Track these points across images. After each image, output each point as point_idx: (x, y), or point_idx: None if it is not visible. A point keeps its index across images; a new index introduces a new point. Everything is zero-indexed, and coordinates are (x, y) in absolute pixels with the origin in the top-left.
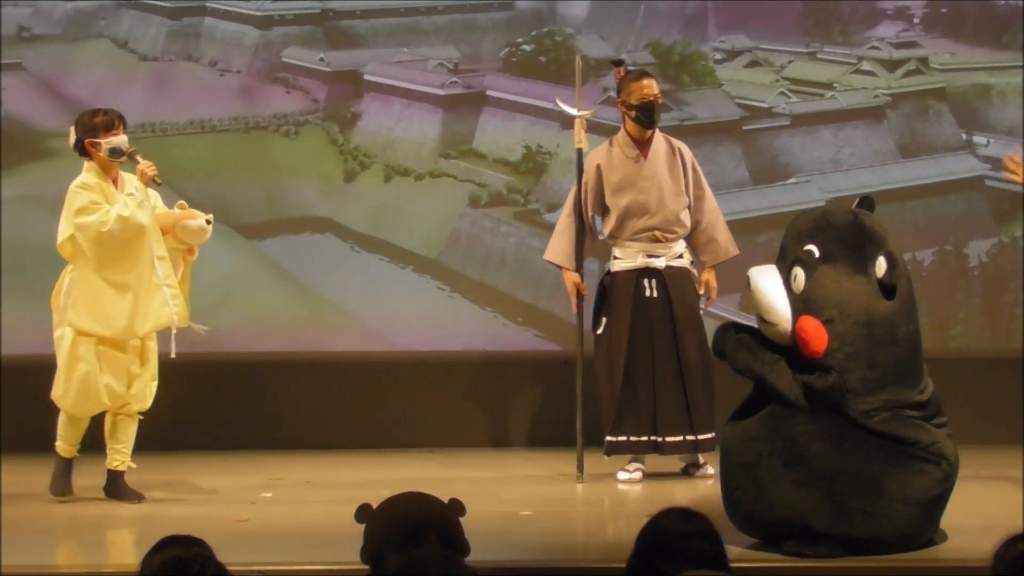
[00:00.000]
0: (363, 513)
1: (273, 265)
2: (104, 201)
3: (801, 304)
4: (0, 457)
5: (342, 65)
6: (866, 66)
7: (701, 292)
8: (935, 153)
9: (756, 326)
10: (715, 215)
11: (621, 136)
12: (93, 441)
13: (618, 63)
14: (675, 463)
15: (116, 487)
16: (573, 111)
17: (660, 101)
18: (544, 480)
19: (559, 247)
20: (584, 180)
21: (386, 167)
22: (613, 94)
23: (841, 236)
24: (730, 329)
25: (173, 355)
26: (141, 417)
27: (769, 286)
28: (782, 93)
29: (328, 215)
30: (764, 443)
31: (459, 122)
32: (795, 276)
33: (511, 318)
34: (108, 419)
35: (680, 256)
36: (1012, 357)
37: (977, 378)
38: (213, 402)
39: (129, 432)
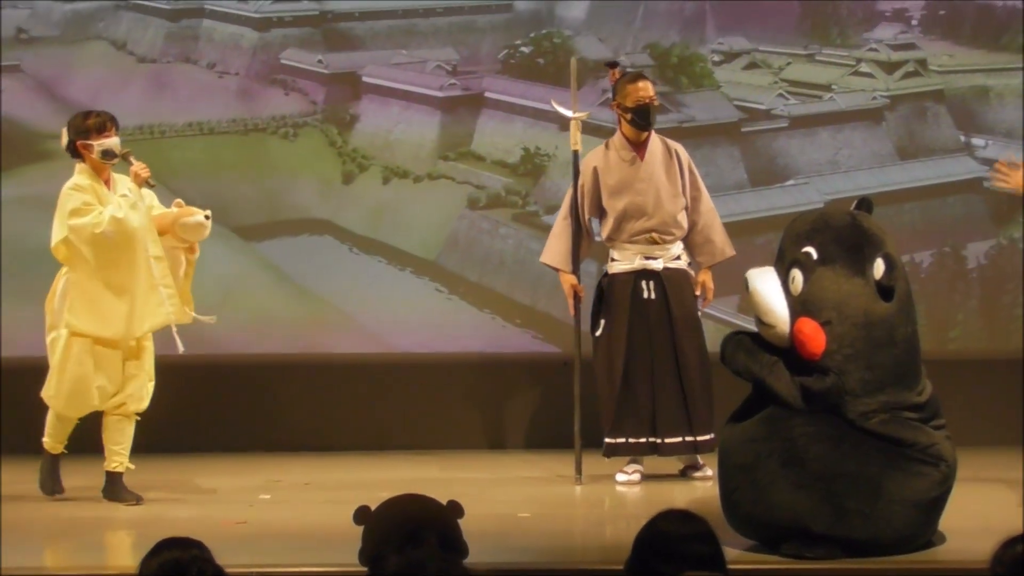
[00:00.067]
0: (362, 515)
1: (272, 267)
2: (97, 202)
3: (799, 306)
4: (0, 458)
5: (340, 67)
6: (864, 68)
7: (698, 293)
8: (933, 155)
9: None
10: (711, 216)
11: (617, 138)
12: (91, 442)
13: (612, 65)
14: (674, 465)
15: (114, 488)
16: (568, 113)
17: (656, 103)
18: (542, 482)
19: (555, 249)
20: (580, 183)
21: (384, 169)
22: (611, 96)
23: (839, 238)
24: (735, 337)
25: (181, 350)
26: (138, 418)
27: (767, 288)
28: (780, 95)
29: (327, 217)
30: (762, 445)
31: (457, 124)
32: (793, 278)
33: (509, 320)
34: (105, 420)
35: (678, 258)
36: (1010, 359)
37: (975, 380)
38: (211, 404)
39: (126, 433)
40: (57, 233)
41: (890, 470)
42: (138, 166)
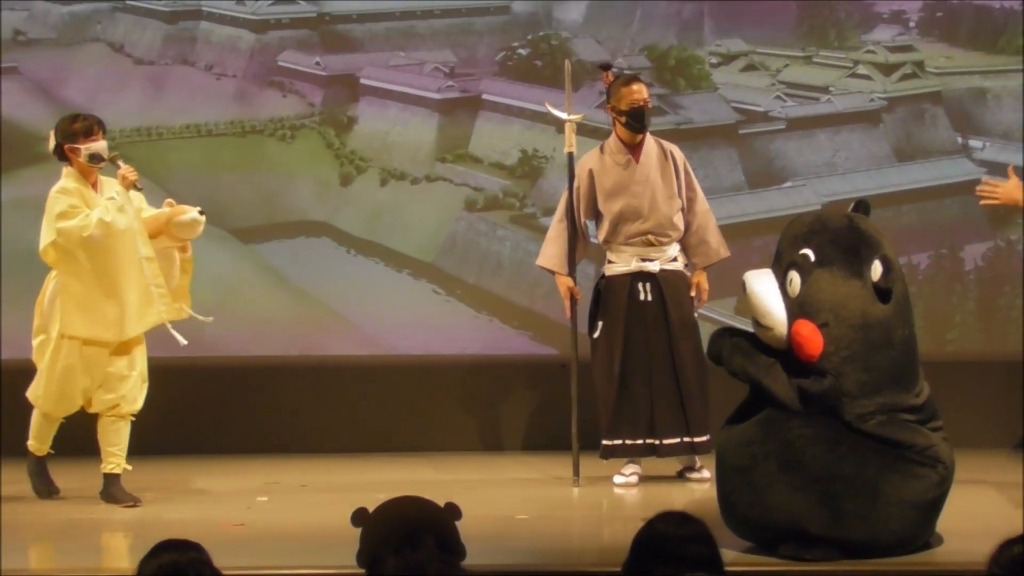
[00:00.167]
0: (359, 517)
1: (269, 268)
2: (84, 205)
3: (797, 308)
4: None
5: (338, 69)
6: (862, 70)
7: (693, 294)
8: (931, 157)
9: (751, 330)
10: (707, 217)
11: (612, 141)
12: (87, 444)
13: (606, 67)
14: (671, 466)
15: (112, 490)
16: (563, 115)
17: (650, 105)
18: (540, 484)
19: (551, 252)
20: (576, 185)
21: (382, 171)
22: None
23: (837, 240)
24: (725, 334)
25: (183, 343)
26: (133, 419)
27: (765, 290)
28: (778, 97)
29: (324, 219)
30: (760, 447)
31: (455, 126)
32: (791, 280)
33: (507, 322)
34: (100, 423)
35: (674, 259)
36: (1008, 360)
37: (973, 381)
38: (209, 406)
39: (122, 435)
40: (45, 237)
41: (887, 472)
42: (125, 169)
